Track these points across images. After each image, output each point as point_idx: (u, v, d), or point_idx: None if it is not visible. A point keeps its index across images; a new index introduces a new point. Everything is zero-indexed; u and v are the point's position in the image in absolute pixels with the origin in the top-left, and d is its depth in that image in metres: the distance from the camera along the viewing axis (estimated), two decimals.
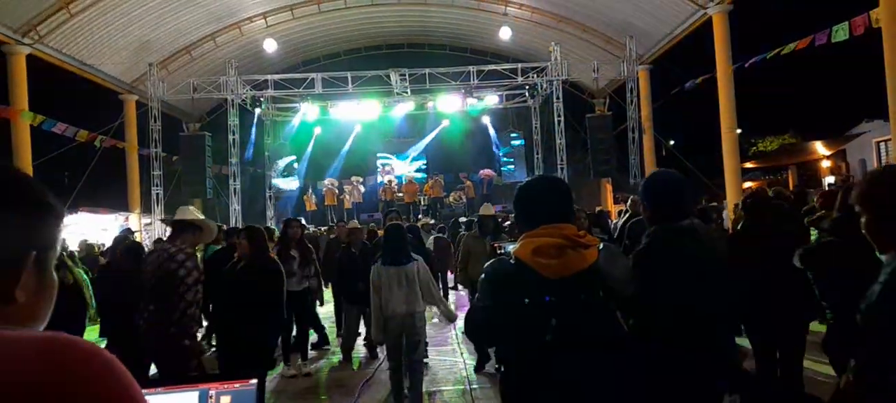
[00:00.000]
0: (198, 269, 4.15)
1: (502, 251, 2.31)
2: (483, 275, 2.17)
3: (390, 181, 20.35)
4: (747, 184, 19.92)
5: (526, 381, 2.05)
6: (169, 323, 4.01)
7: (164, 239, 4.50)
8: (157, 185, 18.04)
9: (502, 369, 2.13)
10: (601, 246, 2.12)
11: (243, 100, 18.89)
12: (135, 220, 18.82)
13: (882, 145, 20.11)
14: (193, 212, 4.48)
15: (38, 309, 0.85)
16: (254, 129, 20.68)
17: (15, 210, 0.82)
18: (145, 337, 4.11)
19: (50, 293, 0.86)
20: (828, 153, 22.87)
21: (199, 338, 4.27)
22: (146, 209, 18.78)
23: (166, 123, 18.69)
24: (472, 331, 2.33)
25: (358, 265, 7.33)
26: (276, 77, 18.57)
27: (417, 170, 22.43)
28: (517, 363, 2.08)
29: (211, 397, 1.52)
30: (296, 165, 21.63)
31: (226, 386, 1.54)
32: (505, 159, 23.23)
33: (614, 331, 2.06)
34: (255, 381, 1.56)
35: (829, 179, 19.04)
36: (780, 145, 27.63)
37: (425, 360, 6.56)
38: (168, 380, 1.87)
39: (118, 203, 18.85)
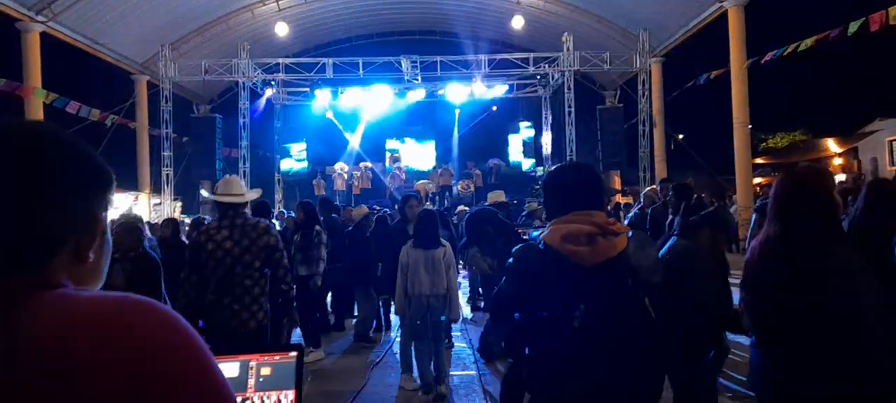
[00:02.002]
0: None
1: (528, 237, 2.32)
2: (510, 260, 2.16)
3: (400, 168, 20.35)
4: (757, 180, 19.85)
5: (550, 368, 2.03)
6: (265, 301, 4.01)
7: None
8: (167, 166, 18.19)
9: (526, 355, 2.12)
10: (630, 233, 2.12)
11: (254, 83, 18.93)
12: (144, 200, 18.95)
13: (895, 143, 19.96)
14: (244, 188, 4.29)
15: (100, 268, 0.90)
16: (262, 112, 20.68)
17: (91, 177, 0.88)
18: (253, 318, 3.96)
19: (108, 253, 0.91)
20: (839, 150, 22.72)
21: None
22: (156, 189, 18.90)
23: (177, 104, 18.79)
24: (499, 316, 2.34)
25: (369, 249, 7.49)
26: (288, 61, 18.57)
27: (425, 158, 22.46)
28: (542, 350, 2.06)
29: (252, 368, 1.54)
30: (305, 149, 21.68)
31: (266, 358, 1.56)
32: (514, 149, 23.21)
33: (643, 319, 2.04)
34: (294, 354, 1.58)
35: (841, 177, 18.91)
36: (791, 142, 27.45)
37: (450, 343, 6.79)
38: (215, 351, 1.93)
39: (129, 182, 18.94)
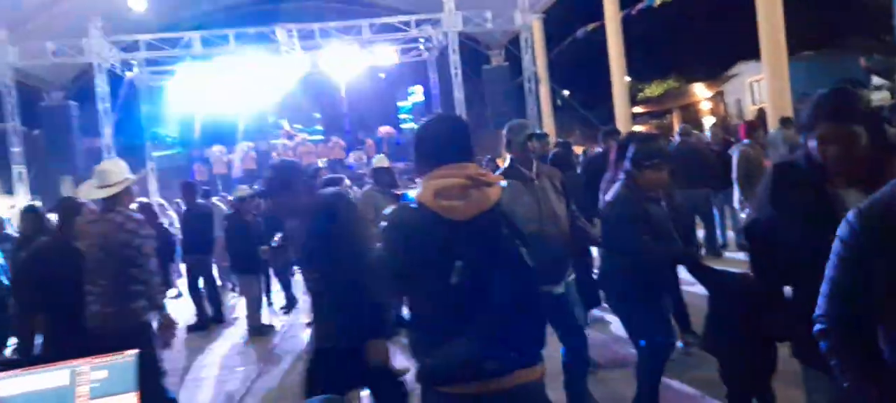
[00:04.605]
0: (154, 237, 3.91)
1: (403, 197, 2.24)
2: (384, 223, 2.10)
3: (285, 144, 19.37)
4: (637, 128, 20.73)
5: (432, 328, 2.00)
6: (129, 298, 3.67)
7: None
8: (18, 163, 16.28)
9: (414, 320, 2.09)
10: (504, 183, 2.10)
11: (113, 65, 17.23)
12: None
13: (755, 85, 21.51)
14: (121, 169, 3.89)
15: None
16: (125, 96, 18.92)
17: None
18: (102, 319, 3.66)
19: None
20: (709, 94, 24.25)
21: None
22: (7, 189, 16.87)
23: (24, 93, 16.76)
24: (378, 282, 2.28)
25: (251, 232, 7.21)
26: (149, 37, 17.01)
27: (313, 132, 21.58)
28: (422, 311, 2.05)
29: (80, 374, 1.40)
30: (178, 134, 20.12)
31: (100, 361, 1.44)
32: (404, 115, 22.85)
33: (521, 269, 2.01)
34: (134, 352, 1.48)
35: (711, 119, 20.18)
36: (666, 90, 29.02)
37: None
38: (35, 359, 1.64)
39: None
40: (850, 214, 1.58)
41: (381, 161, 7.65)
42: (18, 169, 16.25)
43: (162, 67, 19.30)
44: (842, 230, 1.59)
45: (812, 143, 1.89)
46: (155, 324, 3.74)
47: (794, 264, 1.99)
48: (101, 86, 16.73)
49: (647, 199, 3.47)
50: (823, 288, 1.64)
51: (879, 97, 16.51)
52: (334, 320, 2.93)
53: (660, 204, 3.55)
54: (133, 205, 4.41)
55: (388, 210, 2.16)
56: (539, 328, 2.11)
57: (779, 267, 2.10)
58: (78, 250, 3.79)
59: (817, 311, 1.66)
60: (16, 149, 16.22)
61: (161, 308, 3.77)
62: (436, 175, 2.01)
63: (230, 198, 8.74)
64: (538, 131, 3.89)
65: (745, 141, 7.11)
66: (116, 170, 3.83)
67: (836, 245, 1.61)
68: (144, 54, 17.39)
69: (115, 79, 17.95)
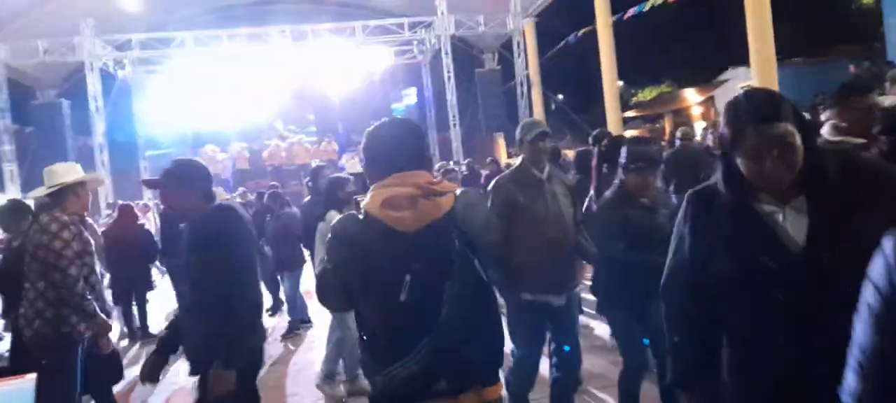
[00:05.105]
0: (79, 239, 3.56)
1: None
2: (330, 234, 1.98)
3: (277, 144, 19.34)
4: (629, 133, 20.84)
5: (383, 347, 1.90)
6: (46, 307, 3.49)
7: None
8: (9, 161, 16.21)
9: (364, 337, 1.98)
10: (458, 192, 1.99)
11: (105, 64, 17.18)
12: None
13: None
14: (67, 171, 3.73)
15: None
16: (117, 94, 18.84)
17: None
18: (28, 326, 3.54)
19: None
20: (700, 99, 24.38)
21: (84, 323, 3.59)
22: None
23: (16, 91, 16.70)
24: (324, 297, 2.11)
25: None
26: (141, 36, 16.98)
27: (307, 133, 21.57)
28: (372, 328, 1.93)
29: None
30: (171, 133, 20.04)
31: None
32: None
33: (473, 283, 1.92)
34: (32, 377, 1.38)
35: (701, 124, 20.29)
36: (658, 94, 29.16)
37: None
38: None
39: None
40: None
41: (354, 165, 7.59)
42: (10, 167, 16.18)
43: (154, 66, 19.26)
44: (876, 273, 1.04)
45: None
46: (87, 332, 3.58)
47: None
48: (93, 84, 16.68)
49: (632, 205, 3.33)
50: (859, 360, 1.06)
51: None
52: (186, 343, 2.80)
53: (652, 210, 3.35)
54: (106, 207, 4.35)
55: (334, 220, 2.07)
56: (495, 345, 2.00)
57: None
58: (18, 255, 3.66)
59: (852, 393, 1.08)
60: (6, 147, 16.15)
61: (91, 315, 3.53)
62: (384, 184, 1.92)
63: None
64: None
65: None
66: (62, 170, 3.71)
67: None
68: (137, 53, 17.35)
69: (107, 78, 17.89)
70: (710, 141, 8.56)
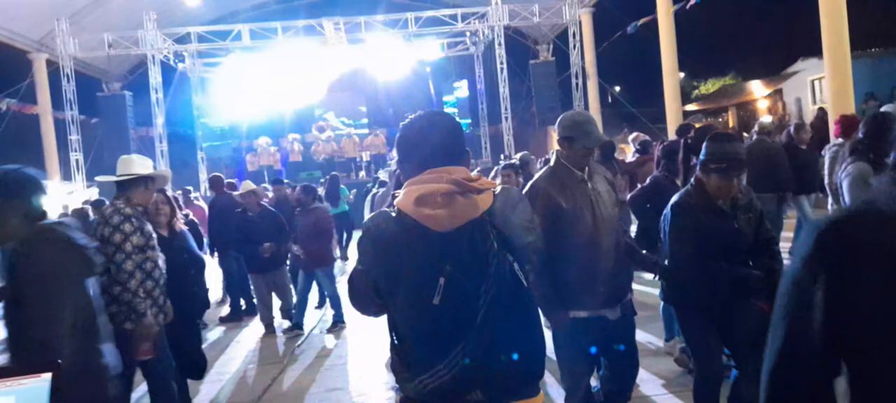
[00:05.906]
0: (141, 232, 3.49)
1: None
2: (361, 233, 1.87)
3: (328, 136, 19.48)
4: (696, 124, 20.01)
5: (416, 353, 1.78)
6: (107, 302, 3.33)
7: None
8: (76, 150, 16.91)
9: (394, 341, 1.86)
10: (498, 189, 1.84)
11: (166, 56, 17.69)
12: (54, 189, 17.58)
13: (816, 83, 20.47)
14: (142, 163, 3.73)
15: None
16: (177, 86, 19.41)
17: None
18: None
19: None
20: (766, 92, 23.24)
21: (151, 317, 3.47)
22: (66, 176, 17.55)
23: (83, 84, 17.41)
24: (356, 300, 1.96)
25: (258, 229, 6.78)
26: (200, 29, 17.40)
27: (358, 125, 21.67)
28: (404, 332, 1.82)
29: None
30: (227, 125, 20.53)
31: (6, 384, 1.27)
32: (450, 110, 22.69)
33: (512, 287, 1.77)
34: (47, 376, 1.29)
35: (767, 118, 19.30)
36: (721, 87, 28.01)
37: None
38: None
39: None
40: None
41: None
42: (75, 156, 16.88)
43: (212, 59, 19.72)
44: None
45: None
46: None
47: None
48: (155, 76, 17.20)
49: (708, 209, 3.00)
50: None
51: None
52: None
53: (730, 217, 3.01)
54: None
55: (368, 218, 1.95)
56: (535, 354, 1.86)
57: None
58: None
59: None
60: (74, 137, 16.84)
61: (141, 314, 3.39)
62: (419, 180, 1.81)
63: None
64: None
65: (839, 140, 5.70)
66: (137, 161, 3.70)
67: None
68: (195, 46, 17.75)
69: (167, 70, 18.43)
70: (787, 135, 7.62)
